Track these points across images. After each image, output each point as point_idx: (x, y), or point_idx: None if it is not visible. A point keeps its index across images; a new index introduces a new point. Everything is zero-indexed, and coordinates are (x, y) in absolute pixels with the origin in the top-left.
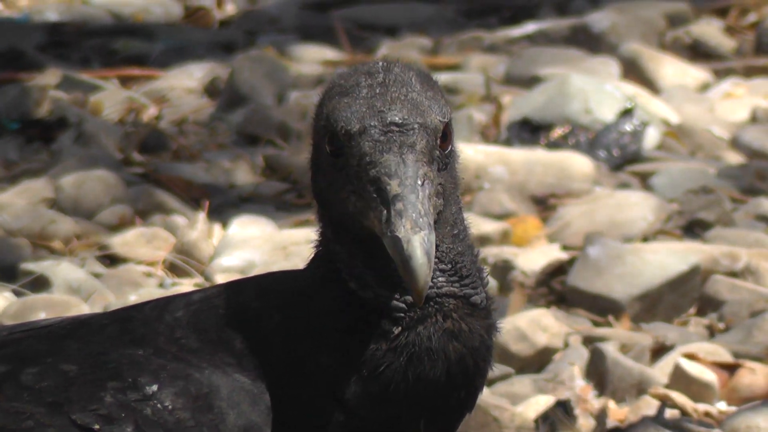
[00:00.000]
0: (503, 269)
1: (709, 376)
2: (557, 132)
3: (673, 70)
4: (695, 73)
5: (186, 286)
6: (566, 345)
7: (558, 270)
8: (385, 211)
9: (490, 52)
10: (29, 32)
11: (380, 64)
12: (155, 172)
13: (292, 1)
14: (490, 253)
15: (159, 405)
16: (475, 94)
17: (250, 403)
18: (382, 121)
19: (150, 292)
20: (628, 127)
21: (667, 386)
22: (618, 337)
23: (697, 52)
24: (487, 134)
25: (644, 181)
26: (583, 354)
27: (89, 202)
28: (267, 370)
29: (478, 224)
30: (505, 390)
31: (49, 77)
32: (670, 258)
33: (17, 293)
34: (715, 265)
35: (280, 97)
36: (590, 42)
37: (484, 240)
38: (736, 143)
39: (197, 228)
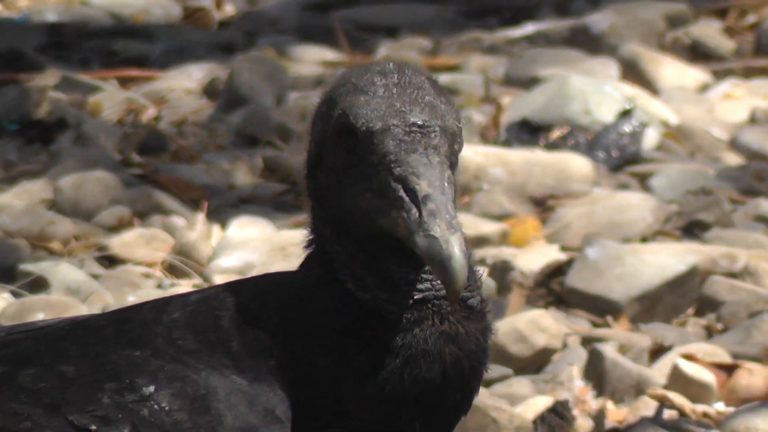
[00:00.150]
0: (502, 270)
1: (707, 376)
2: (556, 133)
3: (672, 71)
4: (694, 74)
5: (185, 287)
6: (565, 346)
7: (557, 271)
8: (414, 210)
9: (490, 53)
10: (28, 33)
11: (390, 65)
12: (154, 173)
13: (292, 2)
14: (489, 253)
15: (156, 406)
16: (475, 95)
17: (248, 405)
18: (405, 122)
19: (149, 293)
20: (627, 128)
21: (666, 387)
22: (616, 338)
23: (697, 53)
24: (487, 135)
25: (643, 182)
26: (582, 355)
27: (88, 203)
28: (264, 372)
29: (477, 225)
30: (504, 391)
31: (49, 78)
32: (669, 259)
33: (16, 294)
34: (713, 266)
35: (279, 98)
36: (590, 43)
37: (483, 241)
38: (735, 144)
39: (196, 229)
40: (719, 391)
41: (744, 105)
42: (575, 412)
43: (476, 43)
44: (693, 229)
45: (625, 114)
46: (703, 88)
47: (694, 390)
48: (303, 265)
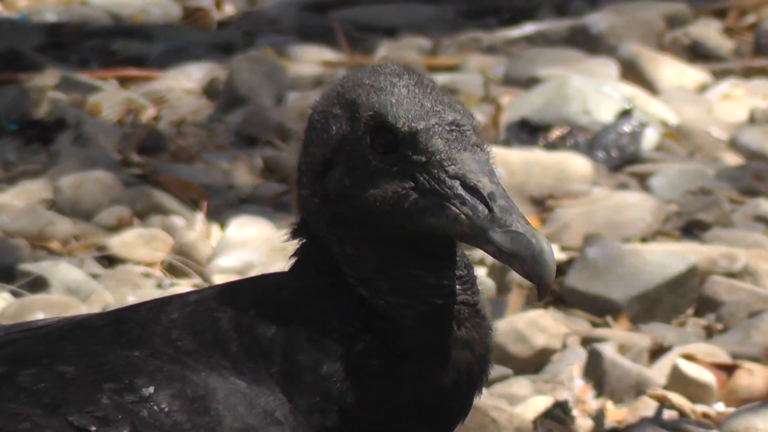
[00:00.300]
0: (501, 270)
1: (707, 377)
2: (556, 133)
3: (671, 71)
4: (694, 74)
5: (184, 286)
6: (564, 346)
7: (556, 271)
8: (481, 207)
9: (489, 53)
10: (28, 33)
11: (395, 66)
12: (154, 173)
13: (291, 2)
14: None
15: (155, 407)
16: (474, 95)
17: (247, 406)
18: (443, 120)
19: (148, 292)
20: (626, 128)
21: (665, 387)
22: (616, 338)
23: (696, 53)
24: (486, 135)
25: (643, 182)
26: (581, 355)
27: (88, 203)
28: (264, 375)
29: None
30: (504, 391)
31: (48, 78)
32: (669, 259)
33: (15, 294)
34: (713, 266)
35: (278, 98)
36: (589, 43)
37: None
38: (734, 144)
39: (195, 229)
40: (719, 392)
41: (743, 105)
42: (575, 412)
43: (475, 43)
44: (692, 229)
45: (625, 114)
46: (703, 88)
47: (694, 390)
48: (300, 270)
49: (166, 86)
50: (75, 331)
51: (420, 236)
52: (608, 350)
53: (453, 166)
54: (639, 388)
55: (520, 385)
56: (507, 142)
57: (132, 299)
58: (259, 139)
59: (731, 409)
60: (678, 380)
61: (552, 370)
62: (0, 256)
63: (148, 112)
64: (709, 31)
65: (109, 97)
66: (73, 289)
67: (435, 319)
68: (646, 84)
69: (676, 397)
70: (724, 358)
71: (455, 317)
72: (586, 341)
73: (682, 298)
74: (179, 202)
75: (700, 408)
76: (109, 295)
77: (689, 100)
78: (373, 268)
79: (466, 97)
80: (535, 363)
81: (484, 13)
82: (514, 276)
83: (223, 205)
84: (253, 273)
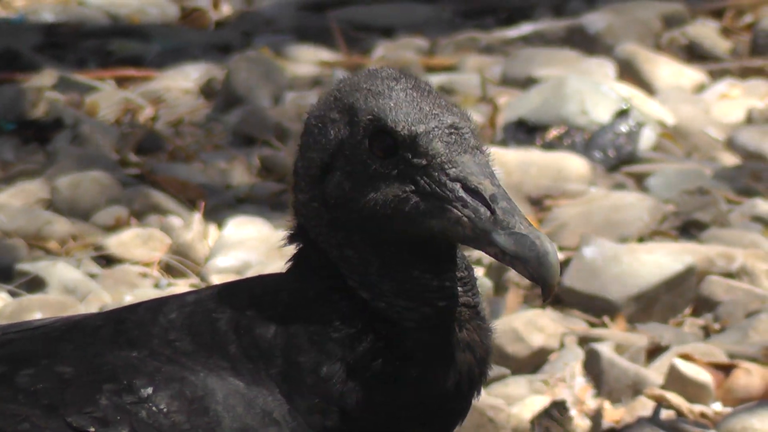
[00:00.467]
0: (499, 270)
1: (704, 376)
2: (553, 133)
3: (668, 71)
4: (691, 74)
5: (182, 286)
6: (562, 346)
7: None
8: (483, 209)
9: (486, 53)
10: (25, 33)
11: (393, 70)
12: (151, 172)
13: (288, 2)
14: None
15: (154, 408)
16: (471, 95)
17: (245, 407)
18: (442, 123)
19: (146, 292)
20: (623, 128)
21: (663, 387)
22: (613, 338)
23: (693, 54)
24: (483, 135)
25: (640, 182)
26: (579, 355)
27: (85, 202)
28: (263, 376)
29: None
30: (501, 391)
31: (45, 78)
32: (666, 259)
33: (13, 294)
34: (710, 266)
35: (276, 98)
36: (586, 43)
37: None
38: (731, 144)
39: (193, 229)
40: (716, 391)
41: (740, 105)
42: (572, 412)
43: (473, 43)
44: (690, 229)
45: (622, 114)
46: (700, 89)
47: (692, 390)
48: (298, 272)
49: (163, 86)
50: (73, 332)
51: (421, 239)
52: (606, 350)
53: (454, 169)
54: (636, 388)
55: (518, 384)
56: (504, 142)
57: (129, 299)
58: (256, 139)
59: (729, 409)
60: (675, 380)
61: (550, 369)
62: None
63: (146, 112)
64: (706, 31)
65: (107, 97)
66: (70, 289)
67: (437, 321)
68: (644, 84)
69: (673, 397)
70: (722, 357)
71: (457, 319)
72: (584, 341)
73: (679, 298)
74: (177, 202)
75: (698, 408)
76: (106, 295)
77: (686, 100)
78: (374, 270)
79: (464, 97)
80: (533, 363)
81: (481, 13)
82: (512, 276)
83: (220, 204)
84: (251, 273)
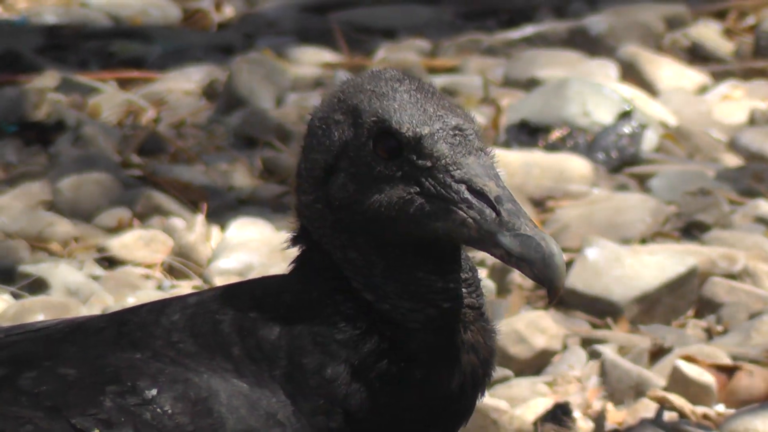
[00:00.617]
0: (501, 271)
1: (707, 378)
2: (555, 134)
3: (671, 73)
4: (693, 76)
5: (184, 288)
6: (565, 347)
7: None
8: (488, 211)
9: (489, 55)
10: (27, 34)
11: (396, 72)
12: (153, 174)
13: (291, 3)
14: (488, 255)
15: (158, 409)
16: (474, 97)
17: (249, 408)
18: (447, 125)
19: (148, 294)
20: (626, 129)
21: (666, 389)
22: (616, 339)
23: (696, 55)
24: (486, 136)
25: (642, 183)
26: (582, 356)
27: (87, 204)
28: (267, 378)
29: None
30: (504, 392)
31: (47, 80)
32: (668, 260)
33: (15, 295)
34: (713, 268)
35: (278, 100)
36: (588, 44)
37: None
38: (734, 145)
39: (195, 230)
40: (719, 393)
41: (743, 106)
42: (576, 414)
43: (475, 45)
44: (692, 231)
45: (624, 115)
46: (702, 90)
47: (694, 391)
48: (301, 274)
49: (165, 88)
50: (76, 333)
51: (425, 240)
52: (608, 352)
53: (458, 171)
54: (639, 390)
55: (521, 386)
56: (507, 144)
57: (132, 301)
58: (258, 141)
59: (731, 411)
60: (678, 381)
61: (552, 371)
62: (0, 258)
63: (148, 114)
64: (708, 33)
65: (109, 99)
66: (73, 291)
67: (442, 322)
68: (646, 85)
69: (676, 399)
70: (724, 359)
71: (461, 320)
72: (586, 342)
73: (681, 300)
74: (179, 204)
75: (701, 409)
76: (109, 296)
77: (689, 101)
78: (378, 272)
79: (466, 99)
80: (536, 364)
81: (483, 15)
82: (514, 277)
83: (222, 206)
84: (253, 274)
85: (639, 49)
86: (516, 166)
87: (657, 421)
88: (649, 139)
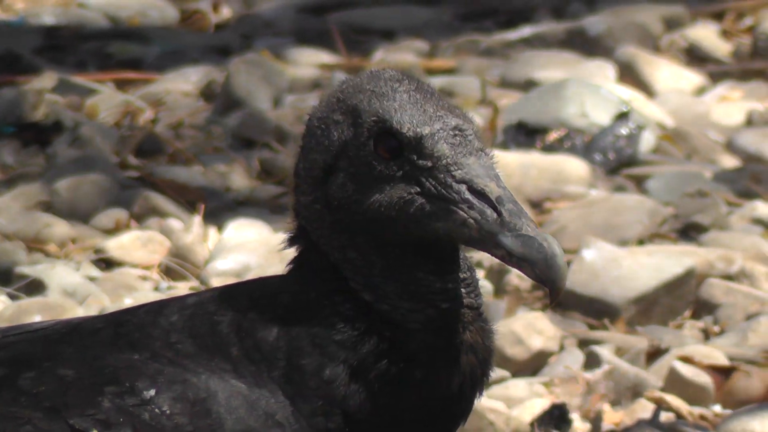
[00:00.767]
0: (499, 273)
1: (704, 379)
2: (553, 135)
3: (668, 74)
4: (691, 77)
5: (181, 289)
6: (562, 348)
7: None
8: (489, 211)
9: (486, 56)
10: (25, 35)
11: (395, 72)
12: (151, 175)
13: (288, 4)
14: (486, 256)
15: (157, 410)
16: (471, 98)
17: (248, 409)
18: (447, 125)
19: (145, 295)
20: (623, 130)
21: (663, 389)
22: (613, 341)
23: (693, 56)
24: (484, 138)
25: (640, 184)
26: (579, 357)
27: (85, 205)
28: (265, 379)
29: None
30: (501, 393)
31: (45, 80)
32: (666, 261)
33: (12, 297)
34: (710, 269)
35: (276, 101)
36: (586, 45)
37: None
38: (731, 147)
39: (193, 231)
40: (716, 394)
41: (740, 107)
42: (573, 414)
43: (473, 46)
44: (689, 232)
45: (622, 116)
46: (700, 91)
47: (691, 392)
48: (299, 274)
49: (163, 89)
50: (73, 334)
51: (425, 241)
52: (605, 352)
53: (459, 171)
54: (636, 390)
55: (518, 387)
56: (504, 145)
57: (129, 302)
58: (256, 142)
59: (728, 411)
60: (675, 382)
61: (549, 372)
62: None
63: (146, 115)
64: (706, 34)
65: (107, 100)
66: (70, 292)
67: (441, 322)
68: (644, 86)
69: (673, 399)
70: (722, 360)
71: (460, 321)
72: (583, 343)
73: (679, 301)
74: (176, 205)
75: (698, 410)
76: (106, 297)
77: (686, 102)
78: (378, 272)
79: (464, 100)
80: (533, 365)
81: (481, 16)
82: (511, 279)
83: (220, 207)
84: (251, 275)
85: (637, 50)
86: (513, 167)
87: (654, 421)
88: (647, 141)
